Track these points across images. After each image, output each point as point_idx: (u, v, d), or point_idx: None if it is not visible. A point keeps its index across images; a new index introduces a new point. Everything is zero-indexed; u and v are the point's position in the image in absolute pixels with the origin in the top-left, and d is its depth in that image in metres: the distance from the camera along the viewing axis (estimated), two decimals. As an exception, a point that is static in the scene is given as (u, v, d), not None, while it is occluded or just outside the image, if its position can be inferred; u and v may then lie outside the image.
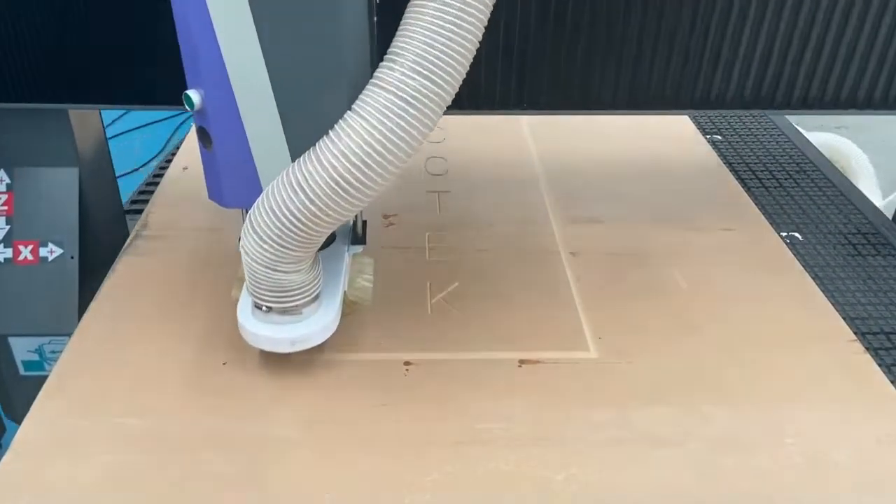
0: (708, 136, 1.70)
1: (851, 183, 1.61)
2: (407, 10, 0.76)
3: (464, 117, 1.72)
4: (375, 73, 0.77)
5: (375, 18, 0.88)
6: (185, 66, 0.80)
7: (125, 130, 3.21)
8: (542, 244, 1.30)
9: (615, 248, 1.28)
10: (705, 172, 1.54)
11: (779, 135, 1.79)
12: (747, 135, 1.78)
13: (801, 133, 1.85)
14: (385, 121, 0.75)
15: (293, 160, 0.82)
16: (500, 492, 0.85)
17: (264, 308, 0.94)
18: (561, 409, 0.96)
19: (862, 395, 1.00)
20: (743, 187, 1.49)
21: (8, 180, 1.29)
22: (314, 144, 0.79)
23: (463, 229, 1.33)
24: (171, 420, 0.93)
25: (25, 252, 1.26)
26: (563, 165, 1.54)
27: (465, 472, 0.87)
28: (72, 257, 1.27)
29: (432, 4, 0.74)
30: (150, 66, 1.11)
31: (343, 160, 0.76)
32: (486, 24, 0.76)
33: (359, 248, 1.10)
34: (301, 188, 0.78)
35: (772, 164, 1.66)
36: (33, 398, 0.96)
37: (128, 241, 1.27)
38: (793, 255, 1.28)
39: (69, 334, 1.07)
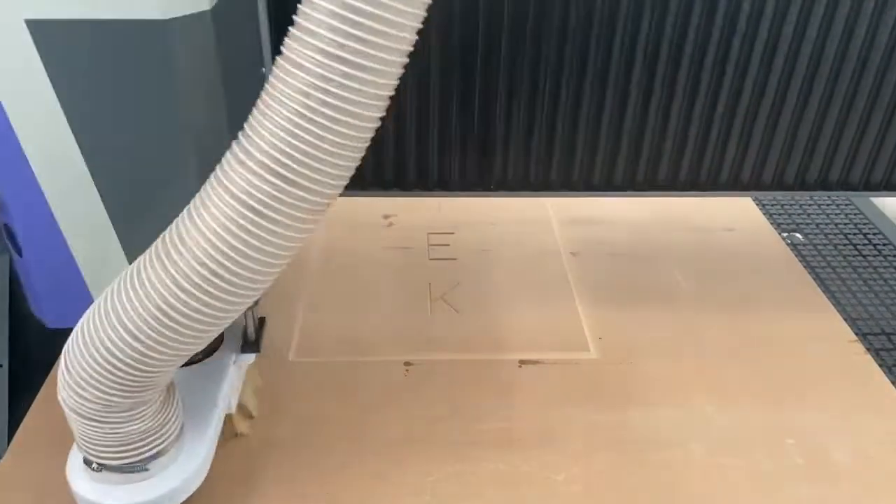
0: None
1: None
2: (278, 58, 0.53)
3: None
4: (223, 160, 0.55)
5: (264, 69, 0.75)
6: None
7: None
8: (542, 244, 1.29)
9: (615, 248, 1.28)
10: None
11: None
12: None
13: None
14: (227, 237, 0.54)
15: (130, 262, 0.64)
16: (501, 492, 0.85)
17: (94, 466, 0.69)
18: (561, 409, 0.96)
19: (863, 396, 0.99)
20: (744, 187, 1.49)
21: None
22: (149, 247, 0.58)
23: (463, 229, 1.33)
24: (171, 420, 0.93)
25: None
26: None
27: (466, 472, 0.87)
28: (1, 365, 1.03)
29: (304, 70, 0.51)
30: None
31: (172, 285, 0.55)
32: (393, 90, 0.54)
33: (250, 358, 0.85)
34: (121, 322, 0.57)
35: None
36: None
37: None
38: (794, 255, 1.28)
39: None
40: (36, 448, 0.89)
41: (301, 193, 0.54)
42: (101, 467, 0.69)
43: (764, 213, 1.40)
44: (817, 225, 1.44)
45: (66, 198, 0.61)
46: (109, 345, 0.58)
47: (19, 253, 0.65)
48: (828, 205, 1.51)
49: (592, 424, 0.94)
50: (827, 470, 0.89)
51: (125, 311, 0.57)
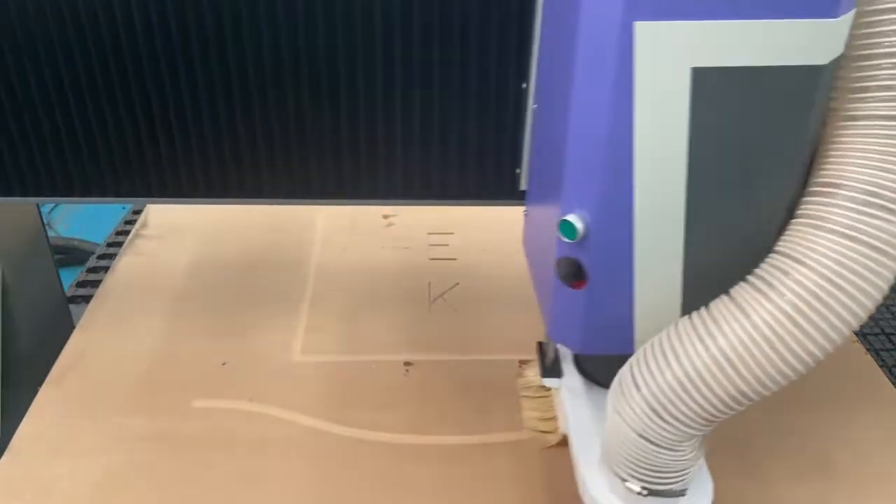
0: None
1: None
2: (835, 121, 0.58)
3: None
4: (802, 206, 0.59)
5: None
6: (565, 177, 0.62)
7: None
8: (542, 244, 1.29)
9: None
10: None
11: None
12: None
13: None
14: (840, 269, 0.56)
15: (683, 312, 0.65)
16: (501, 492, 0.85)
17: (638, 489, 0.71)
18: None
19: (863, 397, 0.99)
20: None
21: None
22: (720, 296, 0.60)
23: (463, 229, 1.33)
24: (170, 420, 0.93)
25: None
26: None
27: (466, 471, 0.87)
28: None
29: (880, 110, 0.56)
30: (90, 158, 0.91)
31: (791, 325, 0.59)
32: None
33: None
34: (730, 362, 0.59)
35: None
36: None
37: (127, 240, 1.27)
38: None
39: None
40: (35, 448, 0.89)
41: None
42: (649, 492, 0.70)
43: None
44: (817, 225, 1.45)
45: (652, 238, 0.61)
46: (713, 385, 0.60)
47: (574, 285, 0.66)
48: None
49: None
50: (826, 470, 0.89)
51: (737, 353, 0.59)
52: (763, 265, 0.59)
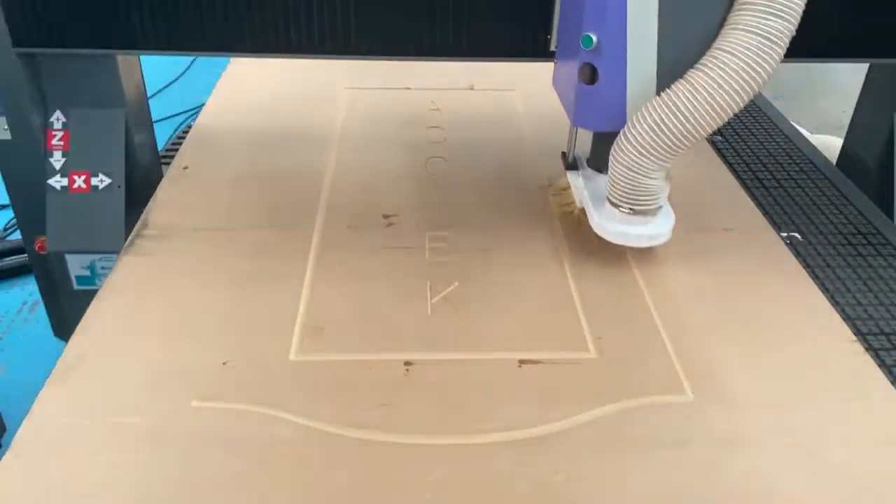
0: (709, 137, 1.70)
1: (852, 183, 1.61)
2: None
3: (460, 107, 1.72)
4: (730, 18, 0.99)
5: None
6: (585, 12, 1.05)
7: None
8: (541, 244, 1.30)
9: (614, 247, 1.28)
10: (706, 173, 1.54)
11: (779, 135, 1.79)
12: (747, 135, 1.78)
13: (801, 134, 1.86)
14: (749, 57, 0.97)
15: (658, 93, 1.05)
16: (500, 491, 0.85)
17: (627, 209, 1.16)
18: (560, 408, 0.96)
19: (862, 396, 1.00)
20: (743, 187, 1.49)
21: (64, 119, 1.50)
22: (677, 79, 1.02)
23: (463, 229, 1.33)
24: (171, 420, 0.93)
25: (79, 181, 1.49)
26: (560, 161, 1.54)
27: (466, 471, 0.87)
28: (119, 186, 1.49)
29: None
30: (195, 14, 1.29)
31: (719, 90, 0.99)
32: None
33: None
34: (679, 111, 1.01)
35: (772, 164, 1.66)
36: (82, 314, 1.08)
37: (128, 240, 1.27)
38: (793, 256, 1.28)
39: (117, 252, 1.24)
40: (36, 448, 0.89)
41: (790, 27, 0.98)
42: (632, 211, 1.15)
43: (763, 213, 1.40)
44: (816, 225, 1.45)
45: (638, 48, 1.04)
46: (669, 124, 1.02)
47: (590, 82, 1.09)
48: (827, 205, 1.51)
49: (592, 424, 0.94)
50: (825, 470, 0.89)
51: (684, 105, 1.01)
52: (707, 58, 1.01)
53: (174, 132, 2.94)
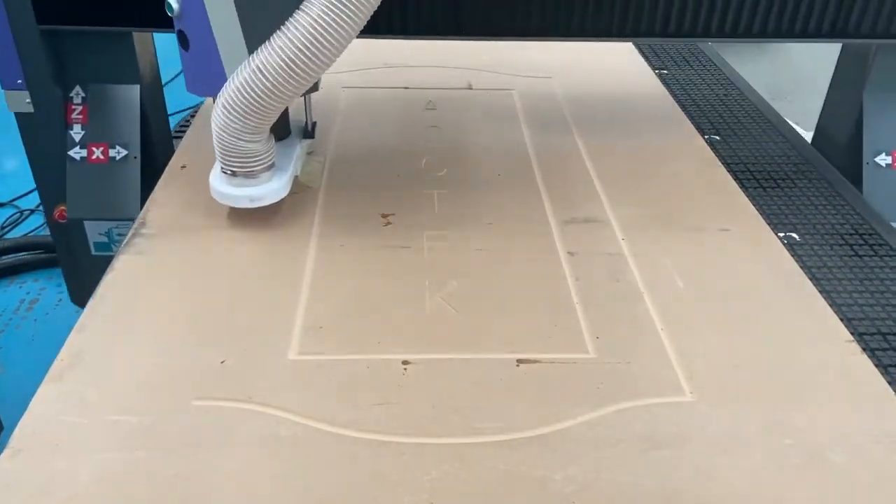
0: (706, 137, 1.71)
1: (849, 183, 1.61)
2: None
3: (456, 102, 1.73)
4: None
5: None
6: None
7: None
8: (540, 244, 1.30)
9: (613, 248, 1.28)
10: (702, 173, 1.54)
11: (776, 135, 1.80)
12: (745, 135, 1.78)
13: (798, 134, 1.86)
14: (323, 14, 1.01)
15: (250, 53, 1.08)
16: (499, 491, 0.86)
17: (229, 172, 1.22)
18: (559, 408, 0.96)
19: (859, 396, 1.00)
20: (740, 187, 1.49)
21: (83, 94, 1.63)
22: (268, 39, 1.05)
23: (461, 229, 1.33)
24: (169, 419, 0.93)
25: (97, 152, 1.61)
26: (559, 161, 1.54)
27: (464, 471, 0.88)
28: (135, 157, 1.62)
29: None
30: None
31: (292, 46, 1.03)
32: None
33: (307, 142, 1.44)
34: (260, 70, 1.05)
35: (769, 164, 1.66)
36: (99, 279, 1.16)
37: (126, 239, 1.27)
38: (790, 256, 1.28)
39: (133, 219, 1.33)
40: (33, 446, 0.89)
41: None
42: (234, 173, 1.22)
43: (761, 214, 1.40)
44: (813, 225, 1.45)
45: (216, 8, 1.07)
46: (252, 84, 1.07)
47: (186, 48, 1.13)
48: (824, 205, 1.52)
49: (590, 424, 0.94)
50: (824, 470, 0.89)
51: (263, 64, 1.05)
52: (289, 19, 1.04)
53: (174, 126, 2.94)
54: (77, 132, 1.62)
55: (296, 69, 1.04)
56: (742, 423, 0.95)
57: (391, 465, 0.88)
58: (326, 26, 1.01)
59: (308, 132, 1.43)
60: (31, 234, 2.61)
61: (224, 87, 1.10)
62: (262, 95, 1.07)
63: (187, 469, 0.87)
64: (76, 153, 1.61)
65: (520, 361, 1.04)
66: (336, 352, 1.05)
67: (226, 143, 1.16)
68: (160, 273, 1.19)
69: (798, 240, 1.40)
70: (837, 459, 0.90)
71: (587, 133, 1.66)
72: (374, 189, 1.44)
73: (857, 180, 1.64)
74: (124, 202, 1.60)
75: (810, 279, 1.23)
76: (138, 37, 1.62)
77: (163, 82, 1.86)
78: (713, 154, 1.62)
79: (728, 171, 1.56)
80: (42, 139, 1.62)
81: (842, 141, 1.74)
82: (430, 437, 0.92)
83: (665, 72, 2.05)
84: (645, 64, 2.07)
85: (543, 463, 0.89)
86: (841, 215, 1.49)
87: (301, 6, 1.02)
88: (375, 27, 1.18)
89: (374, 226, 1.33)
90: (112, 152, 1.62)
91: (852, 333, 1.11)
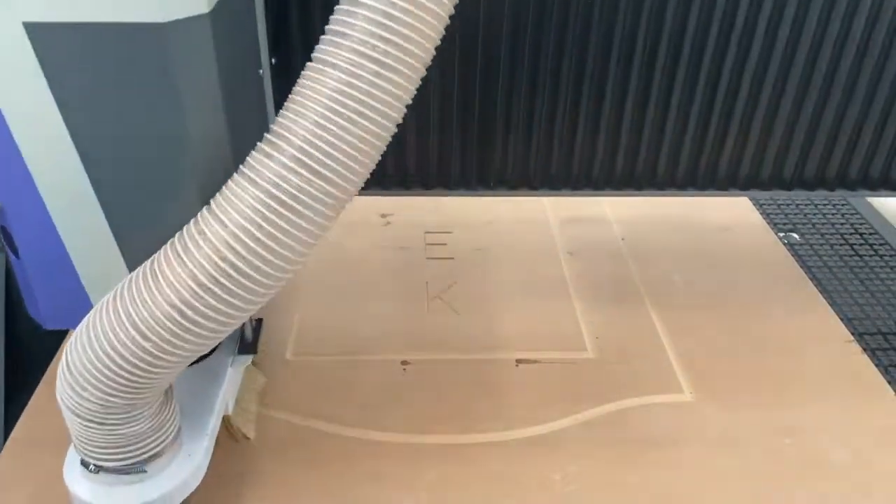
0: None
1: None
2: (302, 73, 0.57)
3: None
4: (249, 157, 0.57)
5: (262, 71, 0.79)
6: None
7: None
8: (539, 244, 1.29)
9: (612, 247, 1.28)
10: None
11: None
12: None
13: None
14: (252, 229, 0.55)
15: (130, 269, 0.63)
16: (498, 491, 0.85)
17: (91, 468, 0.69)
18: (558, 408, 0.96)
19: (860, 396, 1.00)
20: (741, 187, 1.49)
21: None
22: (154, 251, 0.58)
23: (460, 228, 1.33)
24: (168, 419, 0.93)
25: None
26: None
27: (463, 471, 0.87)
28: None
29: (338, 69, 0.55)
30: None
31: (190, 281, 0.55)
32: (413, 94, 0.58)
33: (247, 359, 0.85)
34: (130, 320, 0.56)
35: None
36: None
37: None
38: (790, 256, 1.28)
39: None
40: (32, 448, 0.89)
41: (326, 186, 0.55)
42: (99, 469, 0.68)
43: (761, 213, 1.40)
44: (814, 225, 1.45)
45: (65, 202, 0.60)
46: (116, 344, 0.57)
47: (16, 254, 0.65)
48: (824, 205, 1.51)
49: (589, 424, 0.94)
50: (824, 469, 0.89)
51: (136, 309, 0.56)
52: (188, 226, 0.57)
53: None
54: None
55: (199, 322, 0.57)
56: (741, 423, 0.95)
57: (391, 465, 0.88)
58: (259, 247, 0.56)
59: (247, 343, 0.87)
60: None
61: (69, 343, 0.61)
62: (134, 363, 0.58)
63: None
64: None
65: (519, 361, 1.04)
66: (334, 352, 1.04)
67: (81, 429, 0.65)
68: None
69: (798, 239, 1.39)
70: (837, 459, 0.90)
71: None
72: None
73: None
74: None
75: (810, 279, 1.23)
76: None
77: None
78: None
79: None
80: None
81: None
82: (428, 437, 0.92)
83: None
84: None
85: (543, 463, 0.88)
86: (842, 215, 1.48)
87: (211, 205, 0.57)
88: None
89: (373, 225, 1.33)
90: None
91: (853, 333, 1.11)
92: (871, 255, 1.36)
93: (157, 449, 0.68)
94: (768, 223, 1.37)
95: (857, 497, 0.86)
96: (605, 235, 1.32)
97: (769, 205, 1.49)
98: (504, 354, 1.05)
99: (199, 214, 0.57)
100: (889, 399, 0.99)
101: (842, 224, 1.45)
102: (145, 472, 0.68)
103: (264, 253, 0.55)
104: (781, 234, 1.37)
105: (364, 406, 0.96)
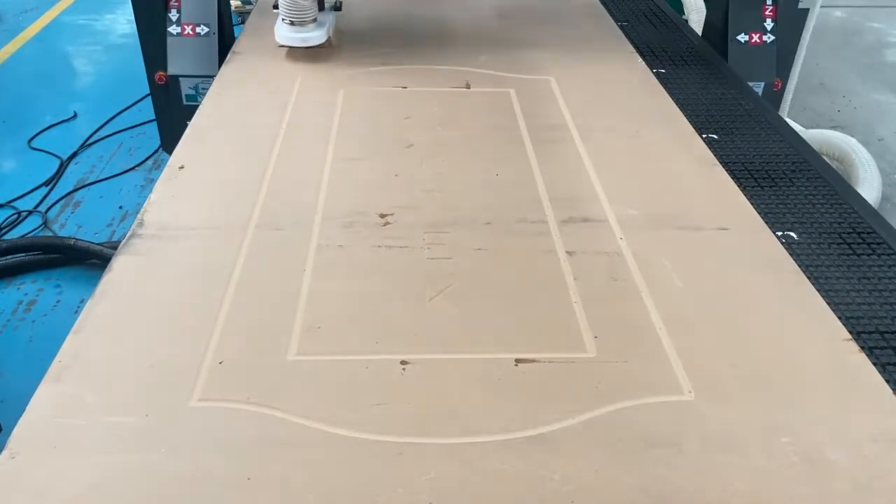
0: (704, 135, 1.71)
1: (847, 182, 1.61)
2: None
3: (456, 106, 1.71)
4: None
5: None
6: None
7: (118, 131, 3.27)
8: (539, 244, 1.29)
9: (611, 247, 1.28)
10: (700, 171, 1.54)
11: (774, 133, 1.80)
12: (743, 133, 1.78)
13: (796, 132, 1.86)
14: None
15: None
16: (498, 491, 0.86)
17: (288, 21, 1.95)
18: (558, 408, 0.96)
19: (857, 395, 1.00)
20: (738, 186, 1.49)
21: None
22: None
23: (460, 228, 1.33)
24: (167, 419, 0.93)
25: (188, 29, 2.38)
26: (556, 162, 1.54)
27: (462, 471, 0.88)
28: (213, 33, 2.37)
29: None
30: None
31: None
32: None
33: (338, 11, 2.18)
34: None
35: (767, 163, 1.66)
36: (185, 126, 1.62)
37: (124, 240, 1.27)
38: (788, 255, 1.28)
39: (213, 76, 1.95)
40: (32, 448, 0.89)
41: None
42: (293, 23, 1.95)
43: (759, 212, 1.40)
44: (811, 224, 1.45)
45: None
46: None
47: None
48: (822, 203, 1.52)
49: (588, 423, 0.94)
50: (822, 468, 0.89)
51: None
52: None
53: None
54: (174, 15, 2.37)
55: None
56: (740, 422, 0.95)
57: (390, 466, 0.88)
58: None
59: (337, 6, 2.17)
60: (29, 234, 2.61)
61: None
62: None
63: (185, 469, 0.87)
64: (174, 30, 2.36)
65: (518, 361, 1.04)
66: (334, 352, 1.05)
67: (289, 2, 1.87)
68: (158, 273, 1.19)
69: (796, 238, 1.39)
70: (835, 457, 0.90)
71: (585, 132, 1.66)
72: (373, 189, 1.44)
73: (724, 53, 2.34)
74: (207, 64, 2.33)
75: (808, 278, 1.23)
76: None
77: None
78: (711, 153, 1.62)
79: (726, 170, 1.56)
80: (149, 21, 2.39)
81: (718, 26, 2.45)
82: (429, 437, 0.92)
83: (662, 71, 2.05)
84: (643, 64, 2.06)
85: (542, 462, 0.89)
86: (839, 213, 1.48)
87: None
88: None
89: (373, 225, 1.33)
90: (198, 29, 2.37)
91: (850, 332, 1.11)
92: (868, 254, 1.36)
93: (311, 17, 1.98)
94: (766, 222, 1.37)
95: (855, 495, 0.86)
96: (604, 235, 1.32)
97: (767, 204, 1.49)
98: (503, 354, 1.05)
99: None
100: (887, 397, 0.99)
101: (839, 223, 1.46)
102: (306, 27, 1.97)
103: None
104: (779, 234, 1.37)
105: (364, 406, 0.96)
